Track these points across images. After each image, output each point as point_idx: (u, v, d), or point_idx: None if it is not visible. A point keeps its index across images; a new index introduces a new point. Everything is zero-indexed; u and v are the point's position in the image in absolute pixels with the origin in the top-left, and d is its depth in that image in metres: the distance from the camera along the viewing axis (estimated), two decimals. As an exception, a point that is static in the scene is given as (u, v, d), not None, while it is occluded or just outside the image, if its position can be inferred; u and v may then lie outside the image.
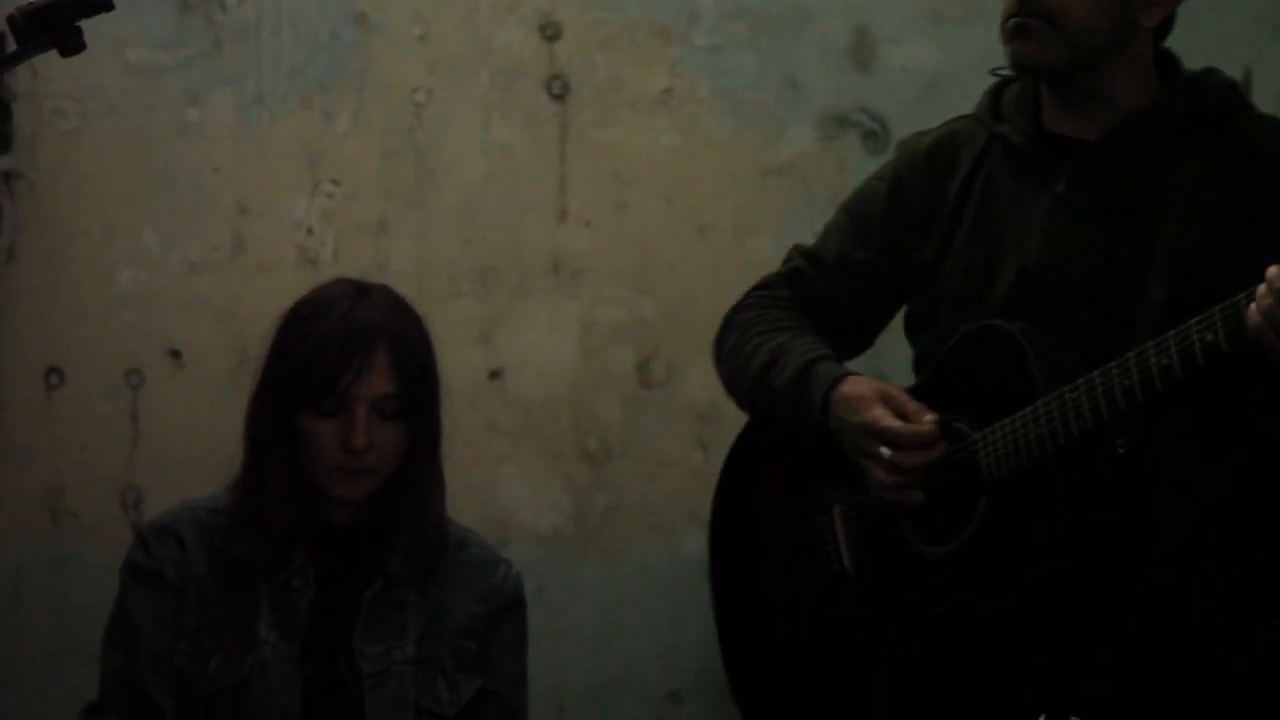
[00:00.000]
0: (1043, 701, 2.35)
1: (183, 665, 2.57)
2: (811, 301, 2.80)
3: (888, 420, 2.53)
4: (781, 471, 2.82)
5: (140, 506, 3.21)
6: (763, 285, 2.88)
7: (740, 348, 2.79)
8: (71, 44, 2.31)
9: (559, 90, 3.41)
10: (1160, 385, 2.24)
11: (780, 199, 3.43)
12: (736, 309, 2.87)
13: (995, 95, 2.66)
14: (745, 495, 2.90)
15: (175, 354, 3.28)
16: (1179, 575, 2.39)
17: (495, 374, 3.38)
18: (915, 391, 2.64)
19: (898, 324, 2.77)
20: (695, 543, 3.12)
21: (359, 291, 2.62)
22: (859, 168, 3.38)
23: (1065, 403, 2.34)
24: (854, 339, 2.84)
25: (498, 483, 3.36)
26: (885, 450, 2.53)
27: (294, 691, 2.56)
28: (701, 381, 3.23)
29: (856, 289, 2.78)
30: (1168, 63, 2.56)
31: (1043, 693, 2.39)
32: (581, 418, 3.40)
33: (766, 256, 3.07)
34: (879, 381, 2.60)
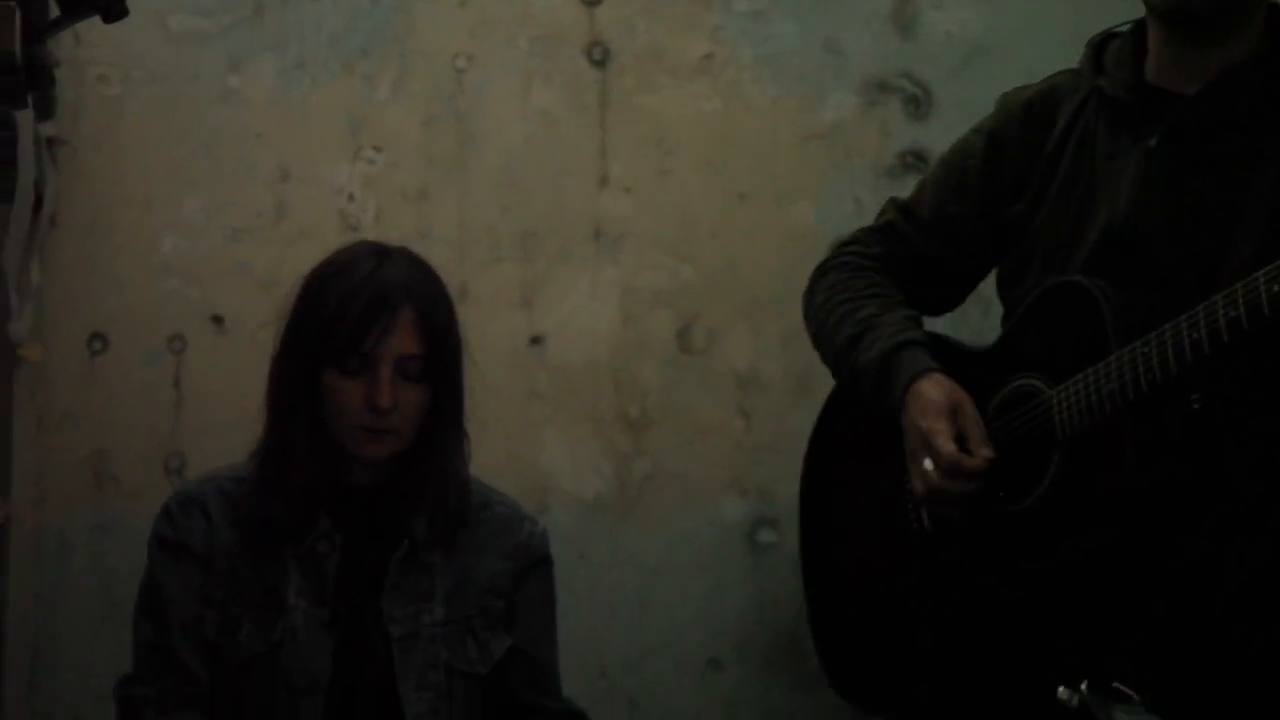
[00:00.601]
0: (1104, 662, 2.34)
1: (213, 635, 2.59)
2: (904, 257, 2.80)
3: (942, 440, 2.53)
4: (868, 430, 2.81)
5: (183, 472, 3.23)
6: (854, 240, 2.87)
7: (829, 310, 2.78)
8: (114, 10, 2.32)
9: (599, 56, 3.41)
10: (1227, 338, 2.22)
11: (821, 165, 3.42)
12: (825, 266, 2.87)
13: (1098, 49, 2.63)
14: (833, 452, 2.91)
15: (217, 320, 3.29)
16: (1219, 547, 2.38)
17: (536, 340, 3.38)
18: (996, 349, 2.64)
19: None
20: (736, 509, 3.13)
21: (381, 253, 2.63)
22: (900, 134, 3.38)
23: (1136, 357, 2.33)
24: (945, 295, 2.84)
25: (538, 449, 3.37)
26: (929, 464, 2.53)
27: (324, 655, 2.58)
28: (742, 348, 3.24)
29: (950, 244, 2.77)
30: (1275, 19, 2.52)
31: (1107, 653, 2.38)
32: (622, 384, 3.40)
33: (807, 223, 3.07)
34: (957, 389, 2.59)
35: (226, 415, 3.21)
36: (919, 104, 3.41)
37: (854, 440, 2.87)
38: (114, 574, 3.18)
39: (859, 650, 2.83)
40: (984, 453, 2.53)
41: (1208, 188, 2.44)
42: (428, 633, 2.62)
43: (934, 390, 2.59)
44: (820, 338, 2.81)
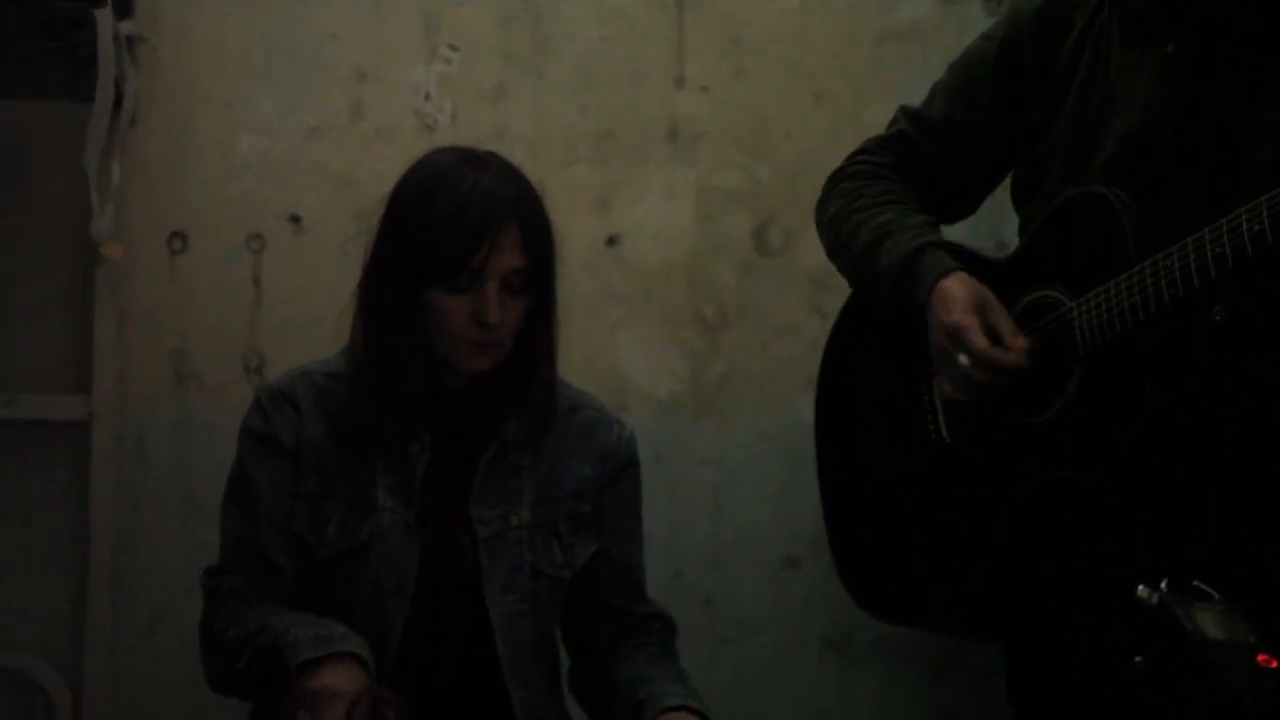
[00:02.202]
0: (1140, 572, 2.34)
1: (301, 530, 2.60)
2: (915, 165, 2.78)
3: (974, 334, 2.51)
4: (884, 342, 2.81)
5: (262, 370, 3.25)
6: (865, 149, 2.86)
7: (844, 218, 2.77)
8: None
9: (677, -46, 3.39)
10: (1251, 251, 2.19)
11: (898, 64, 3.39)
12: (838, 176, 2.86)
13: None
14: (849, 364, 2.90)
15: (295, 219, 3.31)
16: (1241, 458, 2.36)
17: (612, 241, 3.39)
18: (1015, 260, 2.62)
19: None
20: (811, 409, 3.12)
21: (475, 162, 2.58)
22: (979, 32, 3.34)
23: (1159, 270, 2.30)
24: (958, 204, 2.82)
25: (614, 349, 3.37)
26: (963, 358, 2.51)
27: (411, 556, 2.59)
28: (817, 248, 3.21)
29: (962, 152, 2.75)
30: None
31: (1139, 563, 2.38)
32: (698, 284, 3.40)
33: (884, 122, 3.04)
34: (981, 286, 2.57)
35: (305, 314, 3.24)
36: (998, 1, 3.38)
37: (869, 352, 2.86)
38: (194, 471, 3.21)
39: (877, 561, 2.82)
40: (1019, 343, 2.51)
41: (1226, 93, 2.41)
42: (514, 535, 2.63)
43: (960, 288, 2.57)
44: (837, 247, 2.80)
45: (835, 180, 2.86)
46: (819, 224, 2.87)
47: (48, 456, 3.21)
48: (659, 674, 2.62)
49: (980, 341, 2.50)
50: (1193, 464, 2.36)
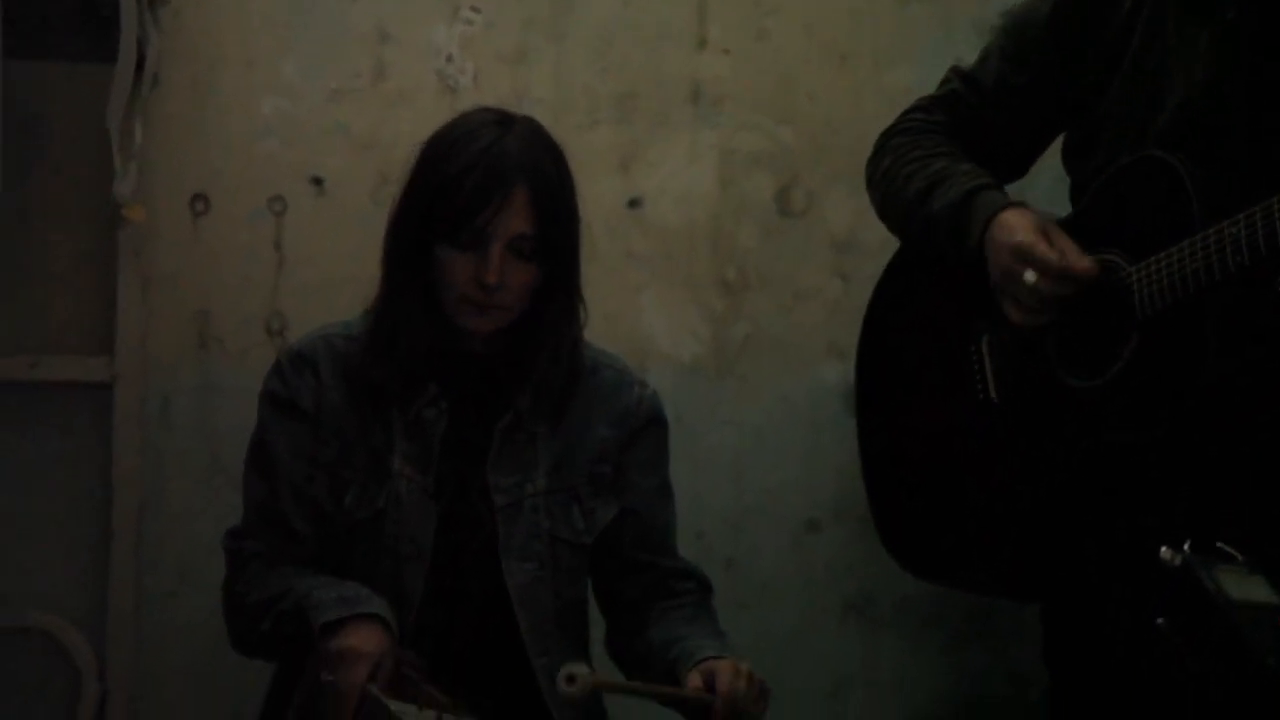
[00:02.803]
0: (1184, 535, 2.33)
1: (320, 495, 2.61)
2: (967, 125, 2.77)
3: (1043, 249, 2.50)
4: (930, 300, 2.80)
5: (285, 333, 3.24)
6: (917, 108, 2.85)
7: (895, 171, 2.77)
8: None
9: (699, -86, 3.38)
10: None
11: (922, 26, 3.38)
12: (890, 132, 2.85)
13: None
14: (892, 323, 2.90)
15: (317, 181, 3.30)
16: None
17: (634, 203, 3.38)
18: (1069, 222, 2.61)
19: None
20: (833, 372, 3.13)
21: (503, 124, 2.60)
22: (1003, -5, 3.33)
23: (1224, 237, 2.29)
24: (1008, 166, 2.81)
25: (636, 311, 3.37)
26: (1030, 274, 2.50)
27: (429, 523, 2.60)
28: (841, 211, 3.22)
29: (1013, 114, 2.74)
30: None
31: (1184, 527, 2.37)
32: (720, 247, 3.39)
33: (906, 85, 3.04)
34: (1042, 216, 2.57)
35: (327, 276, 3.24)
36: (1023, -37, 3.36)
37: (914, 312, 2.85)
38: (217, 433, 3.22)
39: (919, 519, 2.82)
40: (1089, 260, 2.50)
41: None
42: (530, 503, 2.63)
43: (1020, 217, 2.57)
44: (888, 199, 2.80)
45: (887, 136, 2.86)
46: (869, 180, 2.86)
47: (71, 419, 3.22)
48: (694, 632, 2.62)
49: (1050, 254, 2.50)
50: (1251, 431, 2.36)
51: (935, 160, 2.72)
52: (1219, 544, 1.88)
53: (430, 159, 2.61)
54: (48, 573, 3.20)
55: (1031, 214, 2.57)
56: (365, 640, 2.41)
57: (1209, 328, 2.33)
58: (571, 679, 2.31)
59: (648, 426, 2.76)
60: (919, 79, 3.18)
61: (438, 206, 2.55)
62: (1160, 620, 1.87)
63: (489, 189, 2.52)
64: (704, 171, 3.39)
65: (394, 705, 2.32)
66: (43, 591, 3.19)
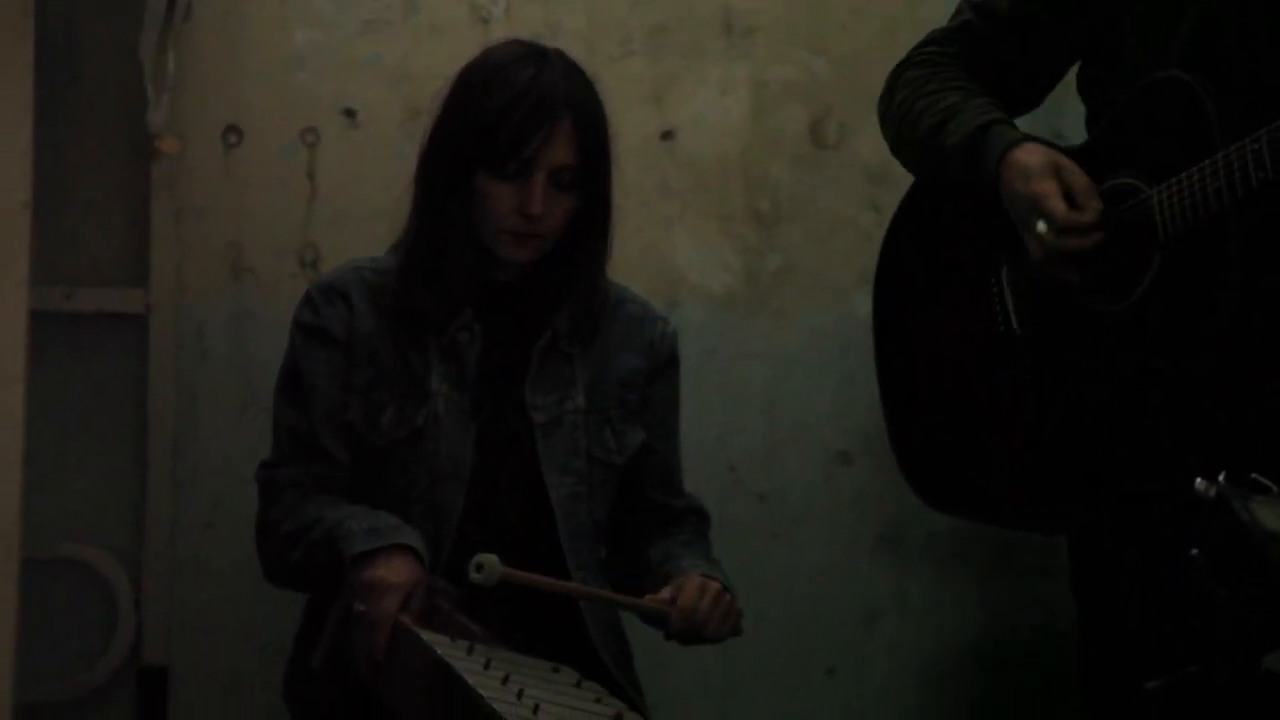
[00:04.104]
0: (1217, 460, 2.33)
1: (355, 420, 2.63)
2: (981, 57, 2.76)
3: (1053, 201, 2.49)
4: (948, 232, 2.79)
5: (317, 265, 3.25)
6: (930, 41, 2.83)
7: (909, 105, 2.75)
8: None
9: None
10: None
11: (957, -45, 3.35)
12: (903, 65, 2.84)
13: None
14: (909, 257, 2.89)
15: (350, 113, 3.30)
16: None
17: (667, 135, 3.37)
18: (1088, 148, 2.59)
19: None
20: (866, 304, 3.10)
21: (540, 56, 2.63)
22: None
23: (1246, 154, 2.27)
24: (1024, 96, 2.80)
25: (669, 244, 3.36)
26: (1043, 226, 2.50)
27: (468, 442, 2.62)
28: (874, 142, 3.18)
29: (1029, 44, 2.73)
30: None
31: (1217, 451, 2.37)
32: (753, 178, 3.38)
33: (941, 14, 3.01)
34: (1055, 153, 2.55)
35: (359, 208, 3.24)
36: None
37: (931, 245, 2.84)
38: (251, 364, 3.22)
39: (940, 452, 2.81)
40: (1094, 204, 2.49)
41: None
42: (570, 420, 2.66)
43: (1031, 156, 2.56)
44: (902, 133, 2.78)
45: (899, 71, 2.84)
46: (882, 116, 2.85)
47: (106, 350, 3.23)
48: (686, 553, 2.67)
49: (1060, 208, 2.49)
50: (1270, 353, 2.35)
51: (947, 94, 2.70)
52: (1254, 475, 1.88)
53: (469, 90, 2.62)
54: (83, 504, 3.22)
55: (1042, 151, 2.55)
56: (397, 571, 2.43)
57: (1233, 247, 2.32)
58: (479, 567, 2.36)
59: (671, 362, 2.81)
60: (951, 9, 3.15)
61: (481, 138, 2.58)
62: (1194, 551, 1.87)
63: (537, 120, 2.55)
64: (737, 103, 3.38)
65: (426, 636, 2.33)
66: (79, 522, 3.21)
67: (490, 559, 2.37)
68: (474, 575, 2.36)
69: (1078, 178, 2.52)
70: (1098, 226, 2.49)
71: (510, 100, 2.56)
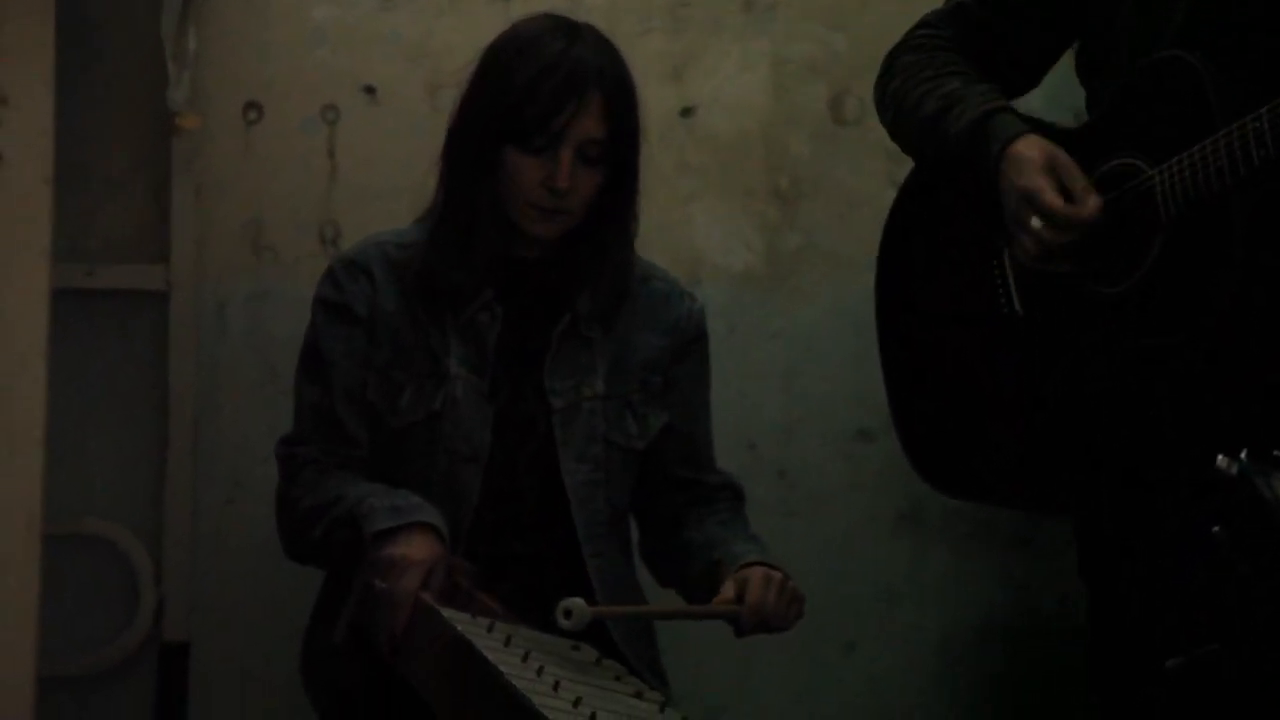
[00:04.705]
0: (1219, 440, 2.32)
1: (374, 399, 2.63)
2: (976, 38, 2.74)
3: (1048, 196, 2.49)
4: (949, 217, 2.79)
5: (338, 241, 3.25)
6: (925, 24, 2.82)
7: (906, 92, 2.74)
8: None
9: None
10: None
11: (978, -68, 3.34)
12: (899, 50, 2.82)
13: None
14: (911, 240, 2.88)
15: (369, 90, 3.30)
16: None
17: (687, 111, 3.37)
18: (1089, 130, 2.59)
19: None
20: (887, 281, 3.10)
21: (571, 30, 2.62)
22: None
23: (1247, 132, 2.26)
24: (1019, 78, 2.79)
25: (689, 221, 3.36)
26: (1036, 221, 2.49)
27: (485, 425, 2.62)
28: (896, 119, 3.19)
29: (1023, 26, 2.71)
30: None
31: (1220, 432, 2.36)
32: (773, 155, 3.38)
33: (961, -8, 3.00)
34: (1053, 146, 2.54)
35: (379, 184, 3.24)
36: None
37: (933, 228, 2.83)
38: (272, 340, 3.23)
39: (945, 436, 2.80)
40: (1092, 201, 2.49)
41: None
42: (588, 405, 2.65)
43: (1029, 150, 2.54)
44: (900, 120, 2.77)
45: (894, 55, 2.83)
46: (879, 101, 2.84)
47: (126, 327, 3.24)
48: (732, 536, 2.67)
49: (1055, 202, 2.49)
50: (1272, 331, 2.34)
51: (947, 81, 2.69)
52: (1276, 452, 1.87)
53: (499, 63, 2.62)
54: (105, 480, 3.23)
55: (1041, 146, 2.54)
56: (418, 549, 2.43)
57: (1235, 226, 2.31)
58: (568, 614, 2.32)
59: (697, 340, 2.79)
60: (974, -16, 3.16)
61: (510, 111, 2.57)
62: (1215, 529, 1.87)
63: (566, 92, 2.55)
64: (757, 80, 3.37)
65: (447, 613, 2.33)
66: (100, 499, 3.22)
67: (578, 604, 2.32)
68: (562, 622, 2.31)
69: (1074, 174, 2.51)
70: (1093, 217, 2.48)
71: (539, 72, 2.55)
